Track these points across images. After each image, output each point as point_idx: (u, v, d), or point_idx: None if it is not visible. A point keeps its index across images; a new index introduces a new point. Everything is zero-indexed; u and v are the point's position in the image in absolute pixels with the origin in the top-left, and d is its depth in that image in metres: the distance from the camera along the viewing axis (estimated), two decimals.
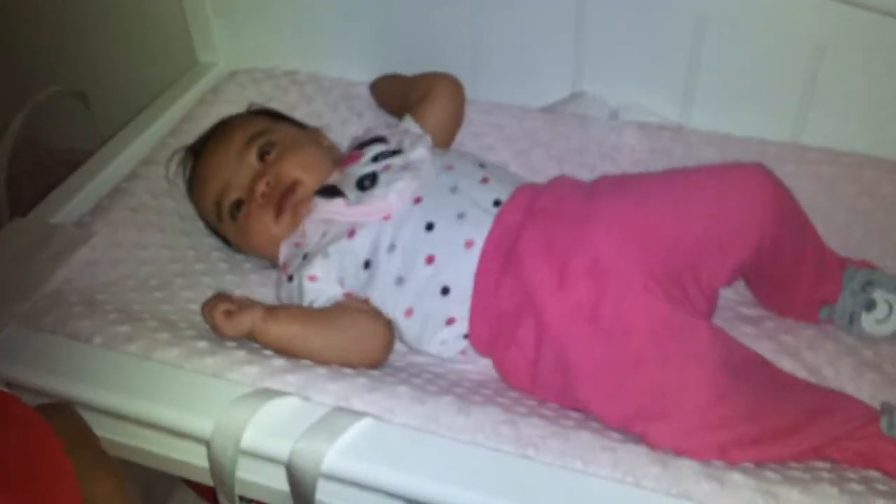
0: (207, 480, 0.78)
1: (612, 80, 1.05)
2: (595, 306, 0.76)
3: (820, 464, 0.74)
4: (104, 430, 0.82)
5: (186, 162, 1.04)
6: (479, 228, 0.84)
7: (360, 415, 0.72)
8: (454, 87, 1.04)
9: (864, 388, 0.83)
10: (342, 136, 1.11)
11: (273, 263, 0.98)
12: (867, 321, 0.87)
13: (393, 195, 0.87)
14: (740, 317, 0.92)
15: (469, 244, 0.84)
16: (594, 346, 0.75)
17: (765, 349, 0.86)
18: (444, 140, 1.03)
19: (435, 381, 0.81)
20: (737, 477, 0.67)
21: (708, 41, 0.98)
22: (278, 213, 0.93)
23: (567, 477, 0.68)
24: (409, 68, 1.11)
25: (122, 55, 1.34)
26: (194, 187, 1.01)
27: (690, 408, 0.71)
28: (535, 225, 0.82)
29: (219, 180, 0.96)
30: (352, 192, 0.90)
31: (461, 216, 0.85)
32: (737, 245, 0.81)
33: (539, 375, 0.79)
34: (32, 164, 1.45)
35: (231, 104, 1.14)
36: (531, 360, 0.79)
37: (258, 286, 0.97)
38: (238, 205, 0.95)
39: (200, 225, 1.03)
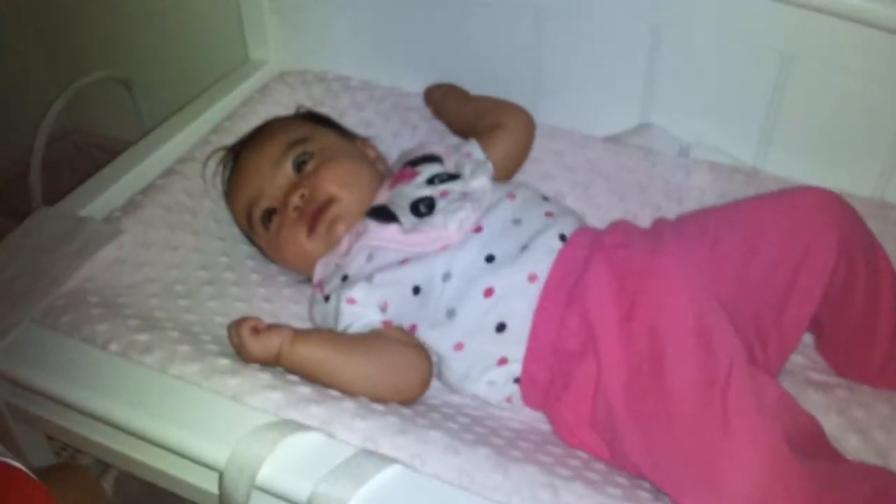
0: None
1: (684, 113, 0.98)
2: (658, 357, 0.69)
3: None
4: (109, 440, 0.78)
5: (226, 162, 0.99)
6: (543, 262, 0.78)
7: (388, 460, 0.66)
8: (528, 125, 0.98)
9: None
10: (392, 147, 1.05)
11: (306, 278, 0.93)
12: None
13: (453, 225, 0.81)
14: (809, 382, 0.84)
15: (532, 278, 0.77)
16: (650, 397, 0.68)
17: (833, 424, 0.78)
18: (505, 174, 0.96)
19: (471, 428, 0.74)
20: None
21: (793, 81, 0.90)
22: (311, 228, 0.87)
23: None
24: (466, 83, 1.06)
25: (172, 45, 1.30)
26: (230, 191, 0.96)
27: (749, 482, 0.63)
28: (603, 261, 0.76)
29: (252, 187, 0.91)
30: (406, 216, 0.84)
31: (524, 248, 0.79)
32: (815, 266, 0.75)
33: (595, 423, 0.72)
34: (72, 148, 1.41)
35: (278, 105, 1.09)
36: (590, 405, 0.72)
37: (290, 302, 0.92)
38: (269, 214, 0.90)
39: (236, 230, 0.98)
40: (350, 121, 1.08)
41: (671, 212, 0.96)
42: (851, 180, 0.93)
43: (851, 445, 0.78)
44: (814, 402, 0.81)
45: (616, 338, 0.71)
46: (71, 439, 0.83)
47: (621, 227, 0.83)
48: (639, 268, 0.74)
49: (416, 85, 1.09)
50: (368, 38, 1.12)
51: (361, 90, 1.11)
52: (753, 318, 0.74)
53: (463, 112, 1.03)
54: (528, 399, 0.79)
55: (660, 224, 0.84)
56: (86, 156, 1.46)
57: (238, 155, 0.96)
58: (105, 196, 0.94)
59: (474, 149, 0.95)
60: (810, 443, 0.68)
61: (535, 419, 0.81)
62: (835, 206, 0.76)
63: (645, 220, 0.97)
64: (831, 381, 0.85)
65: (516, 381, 0.79)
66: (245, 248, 0.97)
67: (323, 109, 1.09)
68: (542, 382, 0.77)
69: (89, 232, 0.87)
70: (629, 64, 0.97)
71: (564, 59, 1.00)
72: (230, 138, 1.03)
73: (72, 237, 0.87)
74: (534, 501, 0.64)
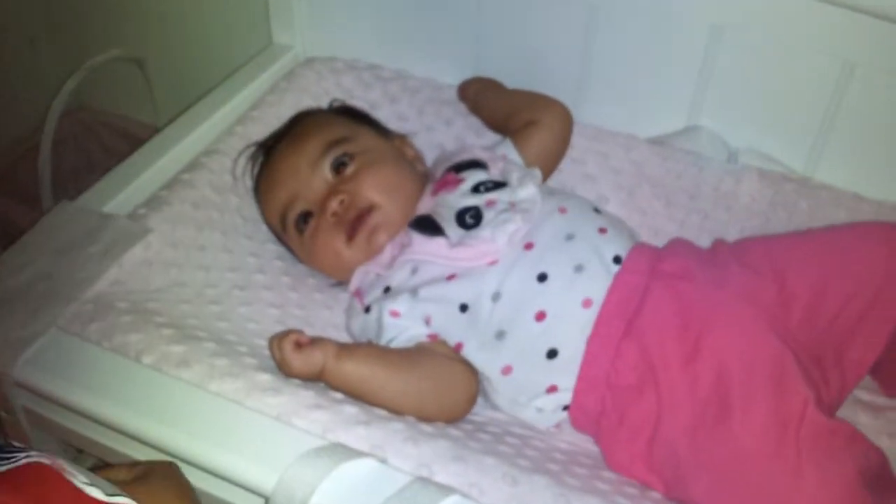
0: None
1: (735, 118, 0.94)
2: (725, 400, 0.66)
3: None
4: (138, 452, 0.74)
5: (256, 158, 0.94)
6: (599, 286, 0.74)
7: (445, 490, 0.62)
8: (565, 120, 0.93)
9: None
10: (427, 143, 1.01)
11: (337, 282, 0.89)
12: None
13: (502, 239, 0.77)
14: (858, 403, 0.81)
15: (587, 303, 0.73)
16: (718, 438, 0.66)
17: (884, 448, 0.75)
18: (545, 170, 0.92)
19: (523, 452, 0.71)
20: None
21: (853, 90, 0.87)
22: (351, 236, 0.83)
23: None
24: (506, 77, 1.01)
25: (190, 24, 1.24)
26: (261, 190, 0.92)
27: None
28: (663, 290, 0.72)
29: (287, 188, 0.87)
30: (452, 229, 0.80)
31: (578, 269, 0.75)
32: (884, 311, 0.72)
33: (653, 461, 0.69)
34: (78, 126, 1.35)
35: (307, 94, 1.05)
36: (646, 442, 0.69)
37: (323, 308, 0.88)
38: (305, 217, 0.86)
39: (264, 228, 0.94)
40: (382, 113, 1.03)
41: (719, 219, 0.93)
42: None
43: None
44: (864, 426, 0.79)
45: (680, 378, 0.68)
46: (94, 449, 0.79)
47: (681, 252, 0.79)
48: (704, 305, 0.71)
49: (450, 76, 1.05)
50: (401, 26, 1.06)
51: (394, 80, 1.06)
52: (817, 358, 0.71)
53: (498, 108, 0.98)
54: (578, 424, 0.76)
55: (721, 249, 0.80)
56: (92, 134, 1.41)
57: (271, 151, 0.91)
58: (128, 190, 0.89)
59: (510, 151, 0.91)
60: (879, 477, 0.66)
61: (583, 439, 0.78)
62: None
63: (691, 227, 0.94)
64: (880, 401, 0.83)
65: (565, 408, 0.75)
66: (273, 248, 0.93)
67: (354, 100, 1.04)
68: (594, 413, 0.73)
69: (116, 231, 0.83)
70: (683, 64, 0.92)
71: (615, 57, 0.95)
72: (257, 129, 0.98)
73: (97, 236, 0.82)
74: None
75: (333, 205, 0.83)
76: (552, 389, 0.74)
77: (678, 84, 0.94)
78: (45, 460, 0.42)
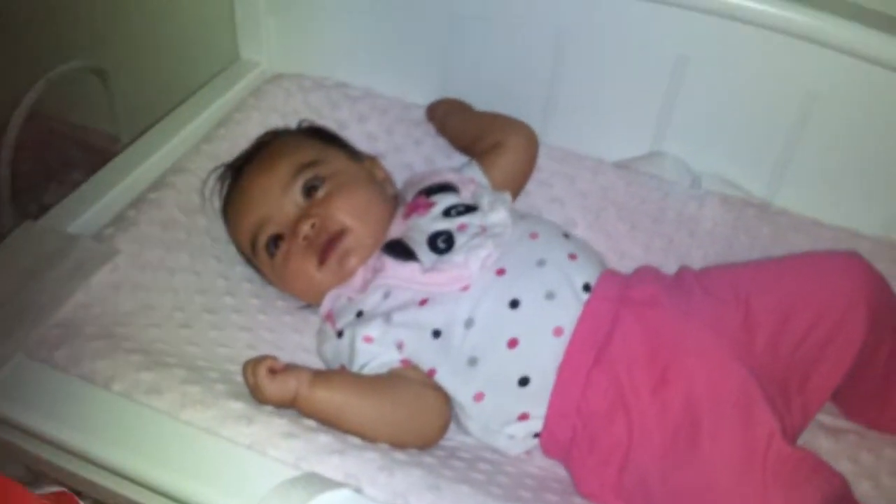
0: None
1: (698, 144, 0.97)
2: (695, 427, 0.68)
3: None
4: (113, 484, 0.73)
5: (224, 178, 0.93)
6: (569, 314, 0.75)
7: None
8: (530, 142, 0.95)
9: None
10: (396, 163, 1.02)
11: (306, 304, 0.89)
12: None
13: (475, 264, 0.78)
14: (820, 427, 0.84)
15: (558, 331, 0.75)
16: (687, 467, 0.67)
17: (843, 471, 0.77)
18: (512, 192, 0.93)
19: (495, 479, 0.72)
20: None
21: (815, 119, 0.90)
22: (322, 260, 0.83)
23: None
24: (474, 97, 1.02)
25: (154, 37, 1.22)
26: (230, 212, 0.91)
27: None
28: (632, 318, 0.74)
29: (258, 211, 0.86)
30: (425, 253, 0.80)
31: (550, 296, 0.76)
32: (846, 339, 0.74)
33: (622, 489, 0.70)
34: (38, 135, 1.32)
35: (275, 112, 1.04)
36: (617, 470, 0.71)
37: (293, 331, 0.88)
38: (276, 240, 0.86)
39: (232, 249, 0.93)
40: (351, 132, 1.03)
41: (682, 243, 0.95)
42: (861, 218, 0.93)
43: (863, 492, 0.79)
44: (825, 450, 0.82)
45: (650, 406, 0.70)
46: (60, 475, 0.78)
47: (648, 279, 0.80)
48: (672, 333, 0.73)
49: (419, 96, 1.05)
50: (369, 44, 1.06)
51: (362, 99, 1.06)
52: (781, 385, 0.74)
53: (465, 130, 0.99)
54: (548, 452, 0.78)
55: (686, 276, 0.81)
56: (50, 143, 1.38)
57: (240, 172, 0.91)
58: (94, 209, 0.88)
59: (475, 172, 0.92)
60: (841, 501, 0.68)
61: (554, 465, 0.79)
62: (865, 276, 0.76)
63: (656, 251, 0.96)
64: (840, 424, 0.85)
65: (536, 435, 0.77)
66: (242, 270, 0.92)
67: (322, 119, 1.04)
68: (564, 441, 0.75)
69: (82, 252, 0.81)
70: (648, 91, 0.94)
71: (582, 81, 0.97)
72: (225, 146, 0.98)
73: (62, 257, 0.81)
74: None
75: (305, 228, 0.83)
76: (524, 417, 0.75)
77: (643, 110, 0.96)
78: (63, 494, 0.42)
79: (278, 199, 0.85)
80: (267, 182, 0.86)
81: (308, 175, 0.86)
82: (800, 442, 0.80)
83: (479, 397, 0.76)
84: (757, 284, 0.77)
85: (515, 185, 0.95)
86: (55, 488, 0.42)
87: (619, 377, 0.71)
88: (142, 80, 1.25)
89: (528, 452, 0.79)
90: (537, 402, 0.75)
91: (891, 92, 0.85)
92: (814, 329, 0.74)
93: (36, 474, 0.82)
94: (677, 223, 0.95)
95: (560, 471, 0.78)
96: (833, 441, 0.83)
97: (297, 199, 0.85)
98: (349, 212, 0.84)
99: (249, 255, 0.90)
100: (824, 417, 0.85)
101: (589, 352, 0.74)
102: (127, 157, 0.95)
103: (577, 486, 0.75)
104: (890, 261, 0.91)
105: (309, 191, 0.86)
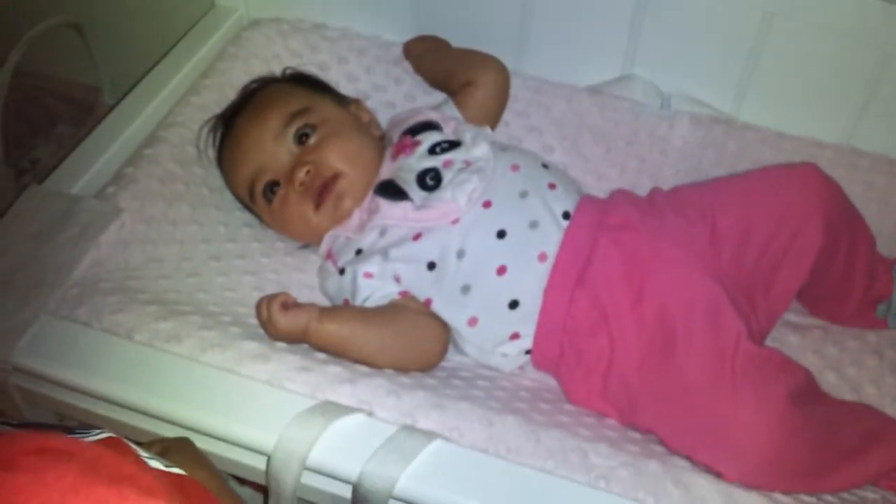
0: (259, 479, 0.76)
1: (666, 65, 1.01)
2: (669, 336, 0.75)
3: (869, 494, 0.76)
4: (147, 424, 0.80)
5: (217, 129, 0.97)
6: (552, 240, 0.82)
7: (430, 436, 0.70)
8: (501, 78, 0.99)
9: None
10: (378, 102, 1.06)
11: (305, 245, 0.94)
12: None
13: (462, 198, 0.83)
14: (787, 325, 0.92)
15: (542, 257, 0.81)
16: (664, 371, 0.75)
17: (809, 363, 0.86)
18: (486, 125, 0.98)
19: (493, 394, 0.79)
20: None
21: (772, 37, 0.94)
22: (318, 204, 0.88)
23: None
24: (449, 31, 1.05)
25: None
26: (225, 162, 0.95)
27: (761, 443, 0.71)
28: (609, 242, 0.80)
29: (253, 161, 0.91)
30: (415, 191, 0.85)
31: (533, 225, 0.82)
32: (803, 246, 0.81)
33: (608, 394, 0.78)
34: (23, 95, 1.34)
35: (256, 58, 1.07)
36: (601, 378, 0.78)
37: (295, 270, 0.93)
38: (272, 186, 0.90)
39: (229, 196, 0.98)
40: (332, 74, 1.07)
41: (655, 162, 1.01)
42: (822, 128, 0.98)
43: (829, 382, 0.87)
44: (792, 345, 0.90)
45: (629, 320, 0.77)
46: (89, 419, 0.84)
47: (623, 203, 0.86)
48: (646, 254, 0.79)
49: (395, 32, 1.08)
50: None
51: (341, 41, 1.08)
52: (747, 292, 0.81)
53: (438, 69, 1.03)
54: (539, 366, 0.85)
55: (657, 198, 0.87)
56: (34, 99, 1.39)
57: (232, 123, 0.94)
58: (93, 170, 0.92)
59: (451, 109, 0.97)
60: (806, 394, 0.76)
61: (545, 377, 0.86)
62: (821, 186, 0.82)
63: (631, 171, 1.01)
64: (806, 321, 0.93)
65: (527, 352, 0.83)
66: (241, 216, 0.97)
67: (303, 62, 1.07)
68: (553, 355, 0.82)
69: (88, 213, 0.86)
70: (615, 17, 0.98)
71: (552, 10, 1.00)
72: (212, 96, 1.01)
73: (70, 219, 0.85)
74: (566, 464, 0.70)
75: (301, 175, 0.88)
76: (515, 337, 0.82)
77: (612, 35, 1.00)
78: (115, 438, 0.47)
79: (272, 147, 0.89)
80: (259, 132, 0.90)
81: (299, 123, 0.90)
82: (769, 339, 0.88)
83: (473, 322, 0.82)
84: (720, 203, 0.84)
85: (491, 119, 0.99)
86: (104, 434, 0.47)
87: (599, 296, 0.78)
88: (119, 32, 1.26)
89: (521, 367, 0.86)
90: (526, 322, 0.81)
91: (842, 10, 0.90)
92: (773, 239, 0.81)
93: (68, 424, 0.89)
94: (649, 143, 1.00)
95: (551, 382, 0.86)
96: (800, 336, 0.91)
97: (290, 146, 0.90)
98: (341, 157, 0.88)
99: (247, 202, 0.94)
100: (791, 316, 0.93)
101: (571, 274, 0.80)
102: (117, 115, 0.98)
103: (567, 395, 0.82)
104: (849, 166, 0.97)
105: (301, 138, 0.90)
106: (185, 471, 0.51)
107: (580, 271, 0.80)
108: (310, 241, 0.93)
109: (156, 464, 0.47)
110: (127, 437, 0.49)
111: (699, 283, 0.77)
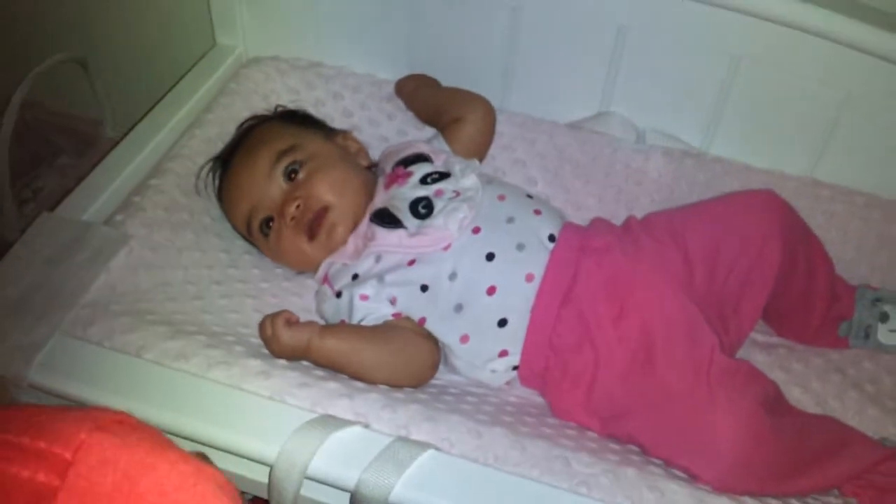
0: (262, 493, 0.81)
1: (640, 103, 1.08)
2: (650, 350, 0.81)
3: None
4: None
5: (215, 170, 1.03)
6: (538, 262, 0.87)
7: (422, 446, 0.75)
8: (488, 115, 1.05)
9: (867, 424, 0.91)
10: (372, 136, 1.12)
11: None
12: (882, 332, 0.96)
13: (453, 226, 0.89)
14: (755, 344, 0.98)
15: (529, 277, 0.87)
16: (646, 382, 0.81)
17: (776, 378, 0.92)
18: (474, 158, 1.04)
19: (481, 408, 0.85)
20: None
21: (740, 78, 1.01)
22: (312, 236, 0.94)
23: None
24: (438, 70, 1.12)
25: (133, 25, 1.29)
26: (224, 200, 1.01)
27: (735, 446, 0.76)
28: (592, 264, 0.87)
29: (247, 200, 0.97)
30: (408, 219, 0.91)
31: (520, 247, 0.88)
32: (765, 264, 0.88)
33: (591, 405, 0.83)
34: (27, 127, 1.39)
35: (256, 94, 1.13)
36: (585, 390, 0.84)
37: (293, 295, 0.98)
38: (268, 222, 0.96)
39: (229, 226, 1.03)
40: (328, 110, 1.13)
41: (631, 193, 1.07)
42: (786, 161, 1.06)
43: (795, 397, 0.93)
44: (760, 362, 0.96)
45: (612, 335, 0.83)
46: None
47: (602, 230, 0.93)
48: (626, 275, 0.86)
49: (388, 71, 1.15)
50: (338, 25, 1.15)
51: (336, 78, 1.15)
52: (718, 310, 0.88)
53: (429, 106, 1.10)
54: (526, 382, 0.90)
55: (633, 225, 0.94)
56: (36, 132, 1.45)
57: (227, 164, 1.01)
58: (102, 198, 0.97)
59: (440, 143, 1.03)
60: (775, 403, 0.83)
61: (529, 393, 0.92)
62: (779, 209, 0.90)
63: (608, 201, 1.08)
64: (773, 341, 1.00)
65: (514, 368, 0.89)
66: (242, 244, 1.02)
67: (300, 99, 1.13)
68: (539, 370, 0.87)
69: (99, 239, 0.91)
70: (594, 59, 1.05)
71: (536, 52, 1.07)
72: (214, 130, 1.07)
73: (81, 245, 0.90)
74: (549, 472, 0.75)
75: (291, 210, 0.94)
76: (503, 354, 0.88)
77: (591, 76, 1.07)
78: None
79: (263, 186, 0.95)
80: (250, 172, 0.96)
81: (287, 161, 0.96)
82: (738, 356, 0.94)
83: (464, 339, 0.88)
84: (690, 227, 0.91)
85: (478, 153, 1.06)
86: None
87: (584, 313, 0.84)
88: (122, 68, 1.32)
89: (508, 383, 0.91)
90: (515, 340, 0.87)
91: (804, 53, 0.97)
92: (739, 259, 0.88)
93: None
94: (625, 175, 1.07)
95: (537, 399, 0.91)
96: (766, 355, 0.97)
97: (281, 184, 0.95)
98: (328, 189, 0.94)
99: (246, 236, 1.00)
100: (758, 336, 0.99)
101: (557, 293, 0.86)
102: (125, 146, 1.03)
103: (551, 409, 0.88)
104: (813, 197, 1.04)
105: (290, 174, 0.95)
106: None
107: (565, 290, 0.86)
108: (306, 269, 0.98)
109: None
110: None
111: (676, 300, 0.84)
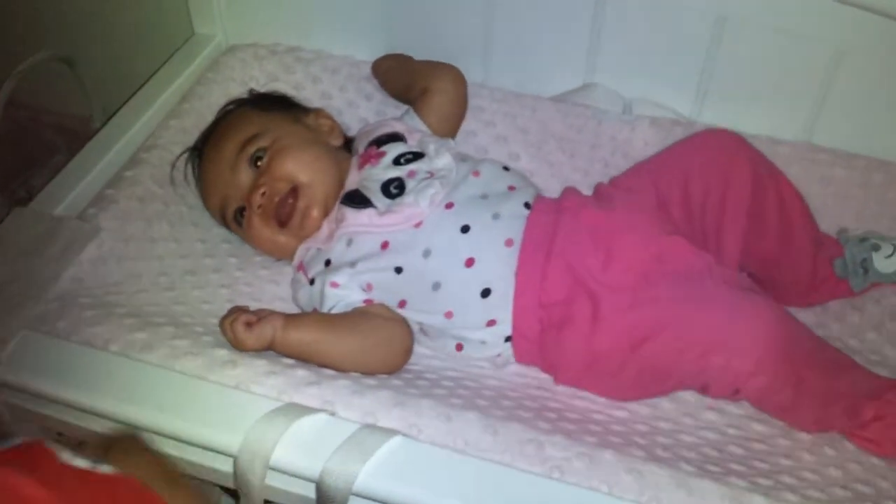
0: (228, 484, 0.79)
1: (625, 72, 1.04)
2: (647, 276, 0.80)
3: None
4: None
5: (193, 160, 1.02)
6: (516, 227, 0.85)
7: (389, 433, 0.73)
8: (457, 82, 1.02)
9: None
10: (350, 117, 1.10)
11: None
12: (879, 261, 0.91)
13: (424, 202, 0.86)
14: None
15: (509, 242, 0.85)
16: (662, 304, 0.79)
17: None
18: (449, 131, 1.02)
19: (456, 392, 0.82)
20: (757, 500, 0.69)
21: (726, 39, 0.97)
22: (284, 222, 0.92)
23: (592, 500, 0.70)
24: (418, 49, 1.09)
25: (114, 20, 1.29)
26: (200, 191, 1.00)
27: (768, 325, 0.75)
28: (570, 219, 0.85)
29: (218, 192, 0.96)
30: (379, 199, 0.88)
31: (496, 216, 0.86)
32: (737, 197, 0.88)
33: (599, 347, 0.80)
34: (18, 127, 1.40)
35: (233, 82, 1.11)
36: (588, 335, 0.80)
37: (269, 283, 0.97)
38: (241, 211, 0.94)
39: (207, 214, 1.01)
40: (307, 93, 1.11)
41: (618, 166, 1.03)
42: (781, 126, 1.01)
43: None
44: None
45: (604, 278, 0.81)
46: (77, 433, 0.87)
47: (574, 193, 0.93)
48: (606, 222, 0.85)
49: (367, 52, 1.12)
50: (316, 8, 1.13)
51: (314, 61, 1.12)
52: (702, 245, 0.86)
53: (398, 82, 1.07)
54: (522, 355, 0.87)
55: (601, 188, 0.94)
56: (28, 132, 1.45)
57: (201, 154, 0.99)
58: (77, 191, 0.96)
59: (412, 119, 1.00)
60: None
61: (511, 374, 0.89)
62: (739, 141, 0.91)
63: (595, 174, 1.04)
64: None
65: (507, 339, 0.86)
66: (219, 232, 1.01)
67: (278, 84, 1.11)
68: (533, 335, 0.84)
69: (69, 232, 0.90)
70: (574, 27, 1.01)
71: (514, 24, 1.04)
72: (191, 120, 1.05)
73: (52, 239, 0.89)
74: (522, 456, 0.72)
75: (257, 199, 0.92)
76: (491, 323, 0.85)
77: (573, 46, 1.04)
78: (35, 441, 0.49)
79: (230, 177, 0.94)
80: (216, 165, 0.95)
81: (251, 149, 0.94)
82: None
83: (448, 315, 0.86)
84: (656, 173, 0.92)
85: (452, 123, 1.03)
86: (17, 440, 0.49)
87: (571, 265, 0.82)
88: (108, 64, 1.31)
89: (499, 356, 0.88)
90: (501, 307, 0.84)
91: (792, 5, 0.93)
92: (710, 190, 0.88)
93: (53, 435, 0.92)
94: (612, 147, 1.03)
95: (517, 379, 0.88)
96: None
97: (248, 172, 0.94)
98: (293, 170, 0.92)
99: (223, 225, 0.99)
100: None
101: (540, 253, 0.84)
102: (101, 139, 1.02)
103: (555, 377, 0.85)
104: (809, 162, 0.99)
105: (256, 162, 0.93)
106: (124, 469, 0.52)
107: (547, 247, 0.84)
108: (283, 256, 0.96)
109: (82, 463, 0.48)
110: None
111: (659, 234, 0.83)
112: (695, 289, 0.79)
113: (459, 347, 0.89)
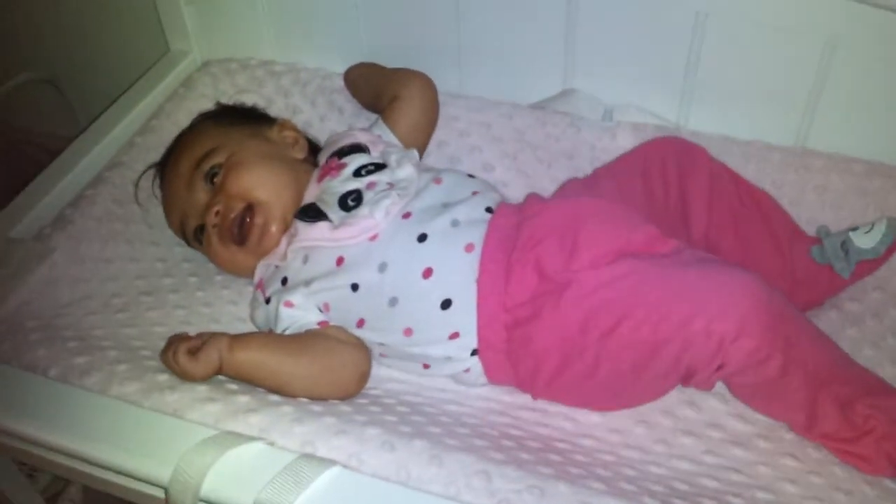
0: None
1: (606, 77, 0.98)
2: (621, 256, 0.75)
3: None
4: (65, 460, 0.79)
5: (157, 177, 0.99)
6: (476, 232, 0.81)
7: (326, 463, 0.68)
8: (426, 89, 0.98)
9: None
10: (321, 131, 1.06)
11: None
12: (857, 237, 0.85)
13: (379, 213, 0.82)
14: None
15: (469, 248, 0.80)
16: (646, 284, 0.73)
17: None
18: (420, 140, 0.98)
19: (409, 419, 0.76)
20: None
21: (709, 37, 0.90)
22: (241, 241, 0.88)
23: None
24: (392, 59, 1.05)
25: (94, 41, 1.28)
26: (163, 209, 0.97)
27: (749, 287, 0.70)
28: (532, 220, 0.80)
29: (176, 210, 0.93)
30: (335, 212, 0.84)
31: (455, 223, 0.82)
32: (693, 160, 0.88)
33: (569, 354, 0.75)
34: (5, 148, 1.39)
35: (205, 98, 1.09)
36: (555, 329, 0.75)
37: (229, 304, 0.93)
38: (201, 229, 0.91)
39: (169, 232, 0.98)
40: (277, 108, 1.08)
41: None
42: (773, 131, 0.94)
43: None
44: None
45: (574, 266, 0.75)
46: (31, 460, 0.85)
47: (536, 197, 0.88)
48: (570, 213, 0.79)
49: (340, 63, 1.08)
50: (287, 21, 1.10)
51: (286, 74, 1.09)
52: (672, 230, 0.80)
53: (368, 91, 1.04)
54: (492, 371, 0.81)
55: (566, 185, 0.92)
56: (17, 154, 1.45)
57: (163, 172, 0.97)
58: (36, 211, 0.94)
59: (381, 128, 0.96)
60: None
61: (474, 398, 0.83)
62: (694, 144, 0.90)
63: None
64: None
65: (474, 353, 0.80)
66: (181, 250, 0.98)
67: (249, 97, 1.08)
68: (501, 343, 0.79)
69: (20, 253, 0.87)
70: (549, 30, 0.96)
71: (485, 29, 0.99)
72: (156, 138, 1.03)
73: (4, 260, 0.87)
74: (468, 489, 0.66)
75: (211, 218, 0.89)
76: (454, 336, 0.80)
77: (549, 50, 0.98)
78: None
79: (187, 195, 0.91)
80: (175, 183, 0.92)
81: (206, 167, 0.90)
82: None
83: (407, 332, 0.80)
84: (615, 167, 0.92)
85: (422, 132, 0.98)
86: None
87: (537, 261, 0.77)
88: (91, 84, 1.30)
89: (467, 371, 0.82)
90: (464, 317, 0.79)
91: (778, 3, 0.86)
92: (667, 170, 0.88)
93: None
94: (591, 157, 0.97)
95: (479, 403, 0.82)
96: None
97: (204, 189, 0.90)
98: (248, 187, 0.88)
99: (187, 244, 0.96)
100: None
101: (501, 256, 0.78)
102: (65, 158, 1.01)
103: (532, 390, 0.80)
104: (803, 169, 0.92)
105: (212, 178, 0.90)
106: None
107: (510, 248, 0.79)
108: (245, 275, 0.92)
109: None
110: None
111: (623, 220, 0.78)
112: (667, 265, 0.74)
113: (426, 367, 0.83)
